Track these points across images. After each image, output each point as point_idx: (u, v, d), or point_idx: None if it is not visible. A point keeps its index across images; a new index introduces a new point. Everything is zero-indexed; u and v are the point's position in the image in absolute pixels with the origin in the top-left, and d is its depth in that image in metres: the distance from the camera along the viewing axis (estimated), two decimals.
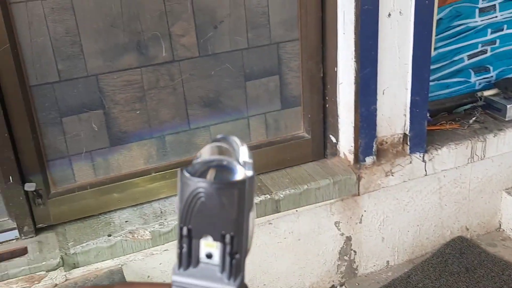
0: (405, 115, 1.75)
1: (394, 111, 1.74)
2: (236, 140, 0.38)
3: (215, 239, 0.36)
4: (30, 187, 1.47)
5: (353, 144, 1.73)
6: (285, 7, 1.65)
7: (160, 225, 1.54)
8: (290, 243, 1.78)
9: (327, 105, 1.77)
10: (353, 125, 1.70)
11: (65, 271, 1.47)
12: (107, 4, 1.45)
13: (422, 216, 1.95)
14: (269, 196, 1.64)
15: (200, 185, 0.35)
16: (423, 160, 1.81)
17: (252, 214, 0.37)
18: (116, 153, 1.61)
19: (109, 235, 1.51)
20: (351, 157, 1.75)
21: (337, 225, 1.82)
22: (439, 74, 2.01)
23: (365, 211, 1.84)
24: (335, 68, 1.69)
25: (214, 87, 1.65)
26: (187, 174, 0.36)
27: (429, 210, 1.96)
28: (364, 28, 1.56)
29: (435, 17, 1.74)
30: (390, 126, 1.75)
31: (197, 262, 0.37)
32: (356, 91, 1.65)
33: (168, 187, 1.65)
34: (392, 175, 1.78)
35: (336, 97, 1.72)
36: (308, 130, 1.79)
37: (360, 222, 1.85)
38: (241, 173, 0.37)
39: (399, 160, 1.78)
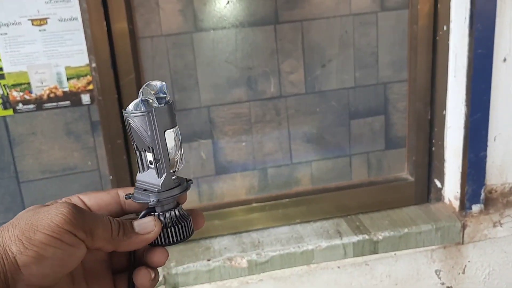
0: None
1: (506, 159, 1.65)
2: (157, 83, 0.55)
3: (146, 151, 0.53)
4: None
5: (459, 190, 1.66)
6: (395, 48, 1.65)
7: (257, 255, 1.58)
8: (387, 287, 1.73)
9: (433, 148, 1.73)
10: (461, 170, 1.64)
11: None
12: (223, 41, 1.54)
13: None
14: (367, 237, 1.62)
15: (126, 115, 0.52)
16: None
17: (169, 132, 0.53)
18: (221, 181, 1.68)
19: (209, 260, 1.57)
20: (456, 204, 1.69)
21: (438, 273, 1.75)
22: None
23: (469, 261, 1.75)
24: (444, 111, 1.65)
25: (318, 124, 1.68)
26: (124, 110, 0.53)
27: None
28: (476, 72, 1.52)
29: None
30: (501, 174, 1.67)
31: (147, 167, 0.53)
32: (465, 136, 1.60)
33: (267, 218, 1.69)
34: (501, 226, 1.68)
35: (443, 140, 1.68)
36: (411, 172, 1.76)
37: (463, 273, 1.76)
38: (151, 104, 0.52)
39: (509, 211, 1.68)
